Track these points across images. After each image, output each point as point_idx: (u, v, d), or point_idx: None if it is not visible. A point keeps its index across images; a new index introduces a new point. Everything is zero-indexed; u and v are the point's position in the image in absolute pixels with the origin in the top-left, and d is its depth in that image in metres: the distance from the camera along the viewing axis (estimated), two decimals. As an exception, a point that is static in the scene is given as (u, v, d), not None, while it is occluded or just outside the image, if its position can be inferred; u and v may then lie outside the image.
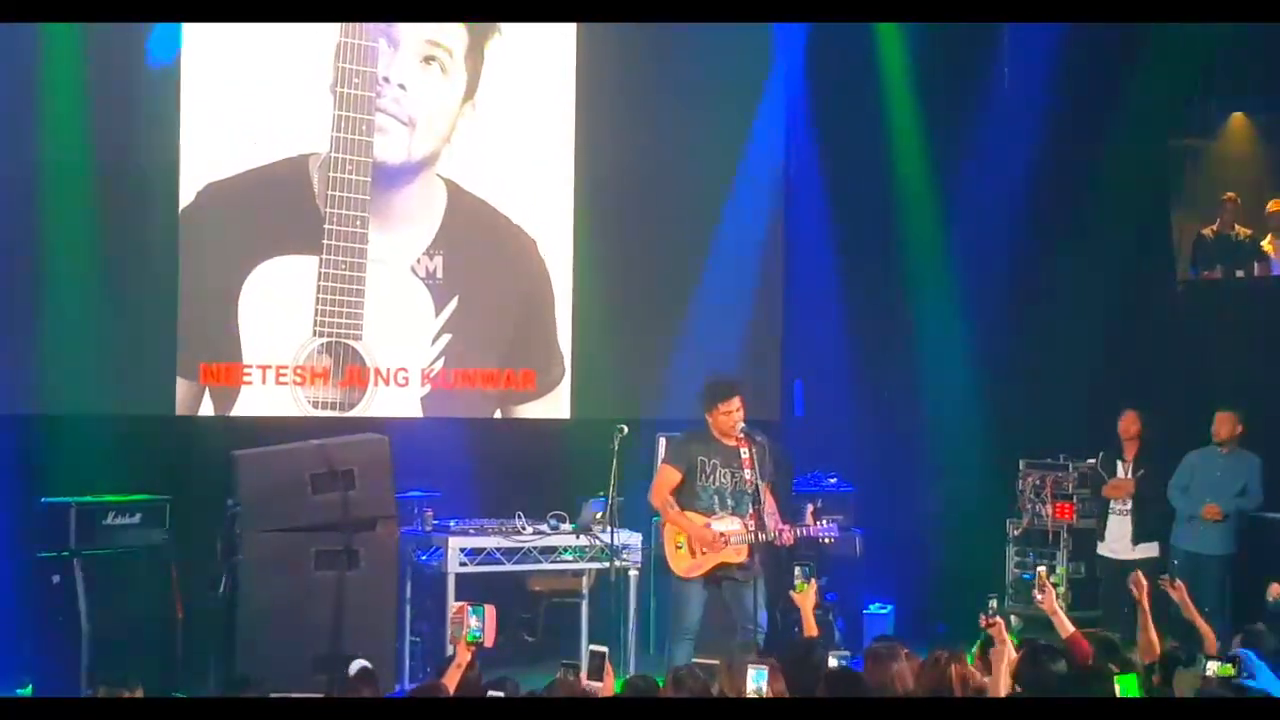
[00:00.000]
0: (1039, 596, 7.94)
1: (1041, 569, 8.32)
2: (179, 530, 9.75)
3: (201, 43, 10.60)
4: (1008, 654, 7.05)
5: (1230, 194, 12.63)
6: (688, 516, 9.25)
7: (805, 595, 8.29)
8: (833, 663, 7.28)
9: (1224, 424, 10.89)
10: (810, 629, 8.14)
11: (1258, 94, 12.13)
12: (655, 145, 11.86)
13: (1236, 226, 12.64)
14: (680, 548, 9.28)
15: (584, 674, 7.11)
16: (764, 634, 9.12)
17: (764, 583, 9.23)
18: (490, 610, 7.34)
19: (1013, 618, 10.92)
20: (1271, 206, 12.46)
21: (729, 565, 9.24)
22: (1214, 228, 12.67)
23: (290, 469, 9.35)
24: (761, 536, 9.13)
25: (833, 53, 12.29)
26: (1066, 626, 7.73)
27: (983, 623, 7.35)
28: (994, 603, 7.49)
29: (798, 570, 8.61)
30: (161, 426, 10.51)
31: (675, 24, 11.47)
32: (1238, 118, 12.63)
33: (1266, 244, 12.48)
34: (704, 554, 9.23)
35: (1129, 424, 11.12)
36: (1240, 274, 12.52)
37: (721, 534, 9.20)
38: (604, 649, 7.17)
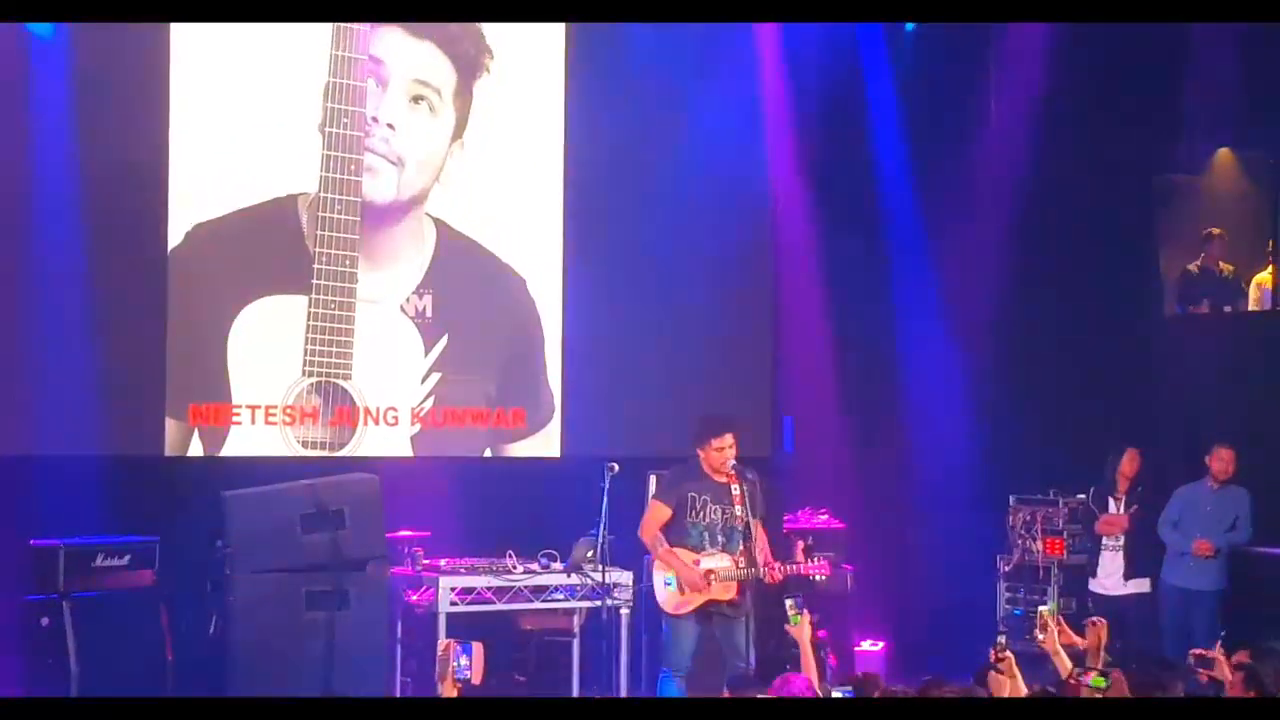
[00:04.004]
0: (1041, 636, 7.92)
1: (1044, 609, 8.29)
2: (168, 571, 9.75)
3: (190, 82, 10.62)
4: (1016, 688, 7.09)
5: (1214, 229, 12.69)
6: (676, 555, 9.24)
7: (801, 628, 8.24)
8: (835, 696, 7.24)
9: (1225, 461, 10.84)
10: (808, 664, 8.08)
11: (1243, 129, 12.19)
12: (643, 183, 11.87)
13: (1221, 263, 12.69)
14: (669, 584, 9.28)
15: None
16: (754, 671, 9.09)
17: (754, 620, 9.21)
18: (478, 648, 7.28)
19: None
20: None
21: (719, 602, 9.23)
22: (1198, 263, 12.72)
23: (280, 509, 9.33)
24: (752, 573, 9.12)
25: (820, 89, 12.33)
26: (1066, 665, 7.70)
27: (992, 657, 7.38)
28: (1003, 638, 7.51)
29: (789, 603, 8.51)
30: (151, 467, 10.49)
31: (664, 62, 11.60)
32: (1223, 153, 12.70)
33: (1266, 276, 12.50)
34: (692, 591, 9.23)
35: (1130, 462, 11.09)
36: (1228, 309, 12.56)
37: (710, 571, 9.19)
38: None
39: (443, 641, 7.91)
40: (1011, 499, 11.98)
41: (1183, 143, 12.36)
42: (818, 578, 9.57)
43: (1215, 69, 11.81)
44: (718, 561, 9.21)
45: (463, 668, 7.17)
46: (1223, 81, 11.79)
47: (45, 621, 9.37)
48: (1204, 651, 7.82)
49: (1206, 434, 11.12)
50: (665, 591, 9.28)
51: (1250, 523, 10.86)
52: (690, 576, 9.18)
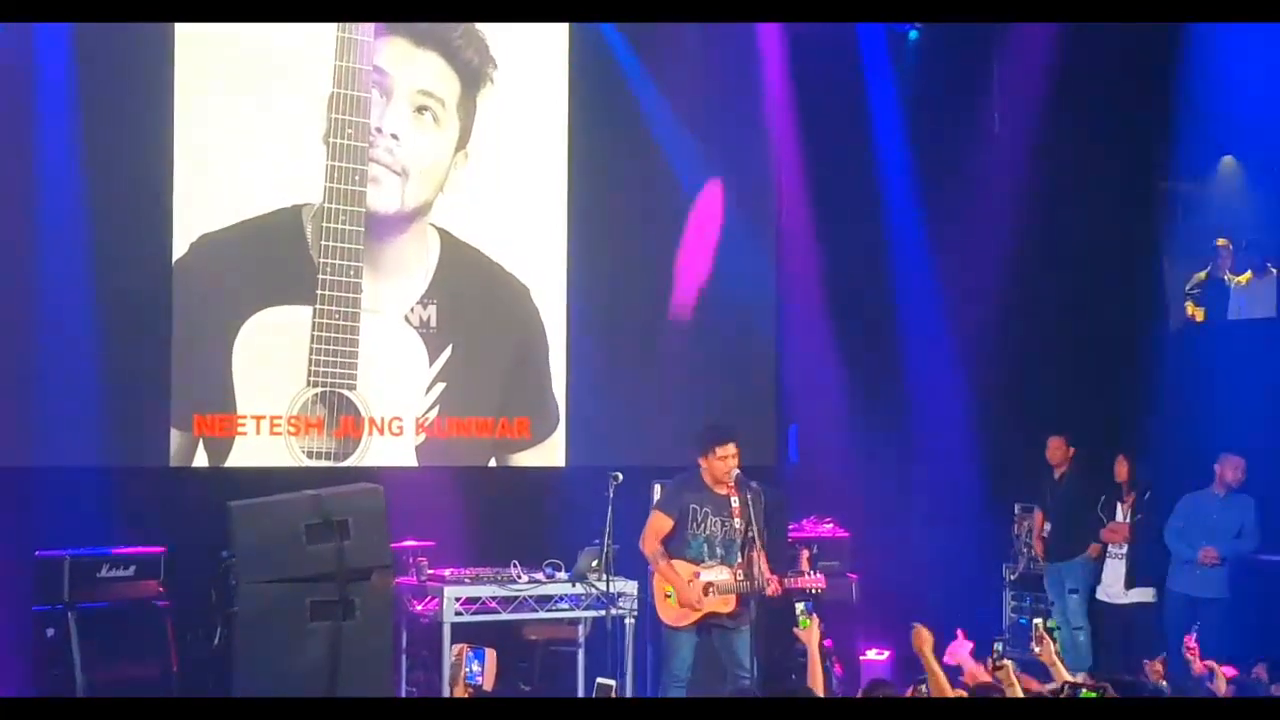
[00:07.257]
0: (1037, 649, 7.92)
1: (1039, 620, 8.29)
2: (174, 582, 9.75)
3: (194, 93, 10.64)
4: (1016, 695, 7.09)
5: (1222, 240, 12.68)
6: (675, 569, 9.25)
7: (810, 631, 8.22)
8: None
9: (1237, 469, 10.85)
10: (815, 669, 8.05)
11: (1247, 136, 12.19)
12: (647, 193, 11.89)
13: (1227, 273, 12.67)
14: (669, 596, 9.28)
15: None
16: (755, 681, 9.09)
17: (754, 631, 9.19)
18: (491, 654, 7.32)
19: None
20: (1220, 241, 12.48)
21: (718, 614, 9.23)
22: (1205, 273, 12.71)
23: (285, 520, 9.28)
24: (752, 586, 9.10)
25: (823, 92, 12.34)
26: (1065, 677, 7.70)
27: (990, 666, 7.36)
28: (1000, 646, 7.50)
29: (799, 606, 8.49)
30: (155, 478, 10.49)
31: (667, 69, 11.61)
32: (1228, 161, 12.69)
33: (1242, 279, 12.50)
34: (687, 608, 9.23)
35: (1120, 468, 11.13)
36: (1239, 316, 12.55)
37: (710, 583, 9.19)
38: (612, 682, 7.15)
39: (455, 647, 7.93)
40: (1016, 507, 11.98)
41: (1186, 149, 12.36)
42: (814, 590, 9.55)
43: (1218, 73, 11.83)
44: (717, 574, 9.21)
45: (474, 673, 7.21)
46: (1225, 86, 11.80)
47: (50, 632, 9.37)
48: (1209, 663, 7.83)
49: (1212, 442, 11.11)
50: (665, 603, 9.29)
51: (1257, 530, 10.85)
52: (687, 595, 9.18)
